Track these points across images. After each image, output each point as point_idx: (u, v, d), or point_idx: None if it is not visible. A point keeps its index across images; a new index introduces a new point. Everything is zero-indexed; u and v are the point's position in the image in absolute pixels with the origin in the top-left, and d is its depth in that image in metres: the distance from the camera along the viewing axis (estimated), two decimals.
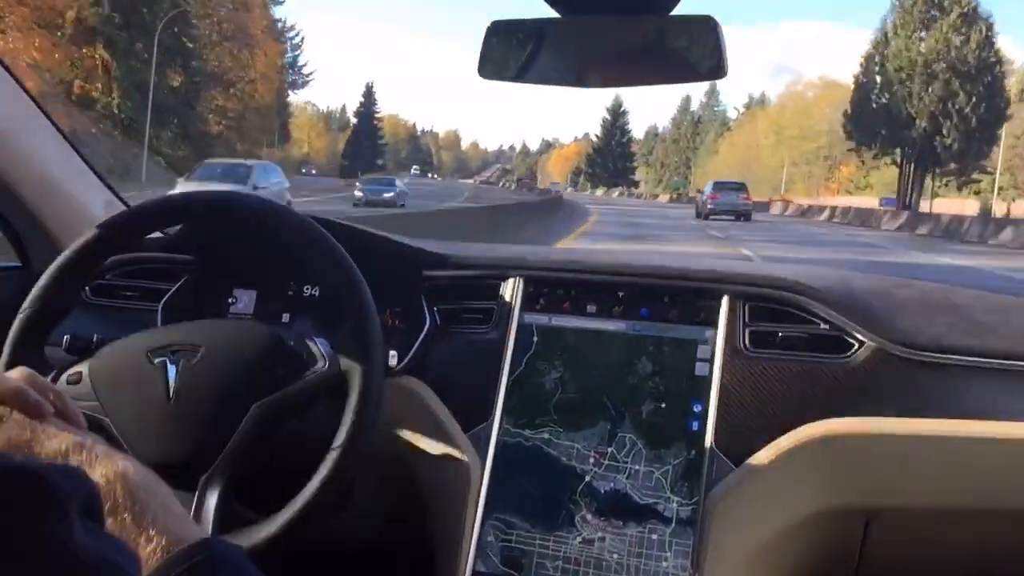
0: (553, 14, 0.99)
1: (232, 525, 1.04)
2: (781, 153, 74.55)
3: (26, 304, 1.09)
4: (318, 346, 1.07)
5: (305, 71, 72.66)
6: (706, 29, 0.95)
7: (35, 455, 0.58)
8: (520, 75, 1.05)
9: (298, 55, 70.36)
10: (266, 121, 54.55)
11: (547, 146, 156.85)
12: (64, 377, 1.08)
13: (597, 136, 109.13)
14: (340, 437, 1.02)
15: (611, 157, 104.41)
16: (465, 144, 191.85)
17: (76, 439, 0.60)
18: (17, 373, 0.65)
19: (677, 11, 0.95)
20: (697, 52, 0.97)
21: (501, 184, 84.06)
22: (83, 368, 1.08)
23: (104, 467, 0.58)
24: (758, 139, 78.15)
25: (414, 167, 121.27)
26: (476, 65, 1.05)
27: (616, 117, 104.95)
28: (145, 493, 0.58)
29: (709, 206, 32.59)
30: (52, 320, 1.10)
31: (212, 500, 1.02)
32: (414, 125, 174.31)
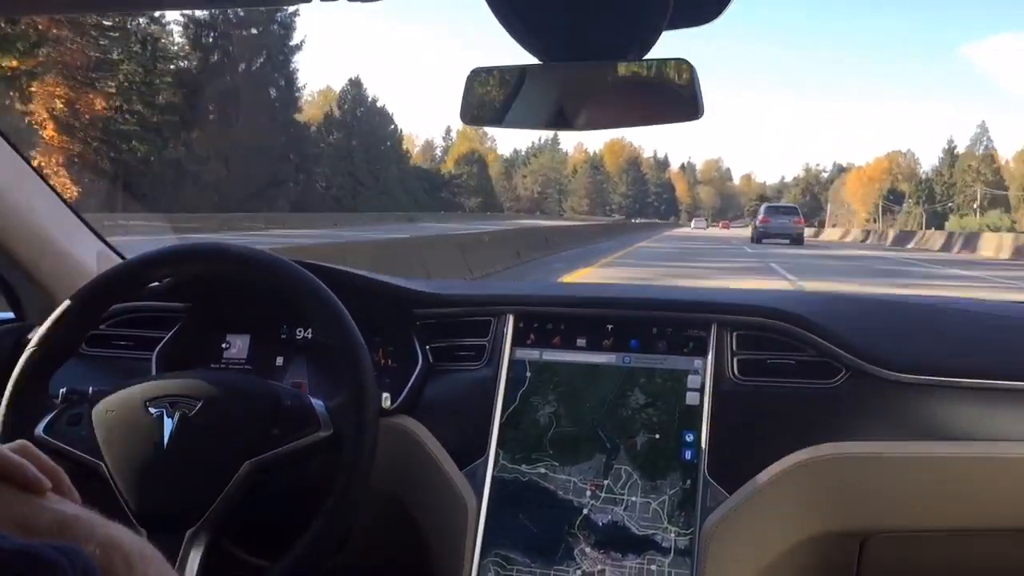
0: (533, 60, 1.01)
1: (229, 573, 1.05)
2: None
3: (32, 344, 1.11)
4: (314, 408, 1.09)
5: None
6: (681, 71, 0.98)
7: (30, 528, 0.59)
8: (502, 120, 1.07)
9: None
10: None
11: (839, 170, 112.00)
12: (65, 418, 1.10)
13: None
14: (335, 490, 1.04)
15: None
16: (736, 178, 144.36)
17: (71, 512, 0.61)
18: (17, 446, 0.66)
19: (653, 55, 0.98)
20: (673, 93, 0.99)
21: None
22: (83, 410, 1.10)
23: (100, 537, 0.59)
24: None
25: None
26: (459, 110, 1.07)
27: None
28: (141, 561, 0.59)
29: (760, 230, 33.57)
30: (55, 361, 1.13)
31: (197, 554, 1.04)
32: (647, 152, 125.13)
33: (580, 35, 0.97)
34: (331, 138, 60.96)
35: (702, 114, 0.96)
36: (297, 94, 52.69)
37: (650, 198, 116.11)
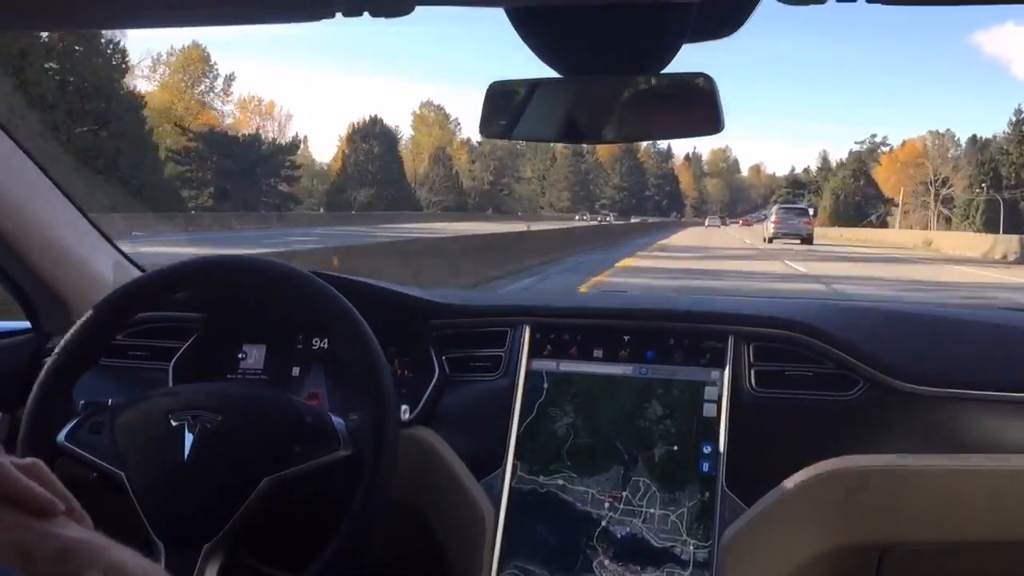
0: (551, 73, 1.02)
1: None
2: None
3: (56, 350, 1.12)
4: (335, 426, 1.09)
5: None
6: (701, 86, 0.98)
7: (31, 555, 0.59)
8: (521, 133, 1.07)
9: None
10: None
11: (856, 159, 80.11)
12: (87, 426, 1.11)
13: None
14: (354, 507, 1.04)
15: None
16: (744, 169, 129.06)
17: (75, 536, 0.61)
18: (29, 464, 0.65)
19: (672, 68, 0.98)
20: (692, 108, 0.99)
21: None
22: (105, 419, 1.11)
23: (104, 563, 0.59)
24: None
25: None
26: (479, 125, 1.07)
27: None
28: None
29: (772, 230, 34.78)
30: (78, 369, 1.14)
31: (214, 569, 1.04)
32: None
33: (601, 49, 0.97)
34: None
35: (723, 128, 0.96)
36: None
37: (649, 191, 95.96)
